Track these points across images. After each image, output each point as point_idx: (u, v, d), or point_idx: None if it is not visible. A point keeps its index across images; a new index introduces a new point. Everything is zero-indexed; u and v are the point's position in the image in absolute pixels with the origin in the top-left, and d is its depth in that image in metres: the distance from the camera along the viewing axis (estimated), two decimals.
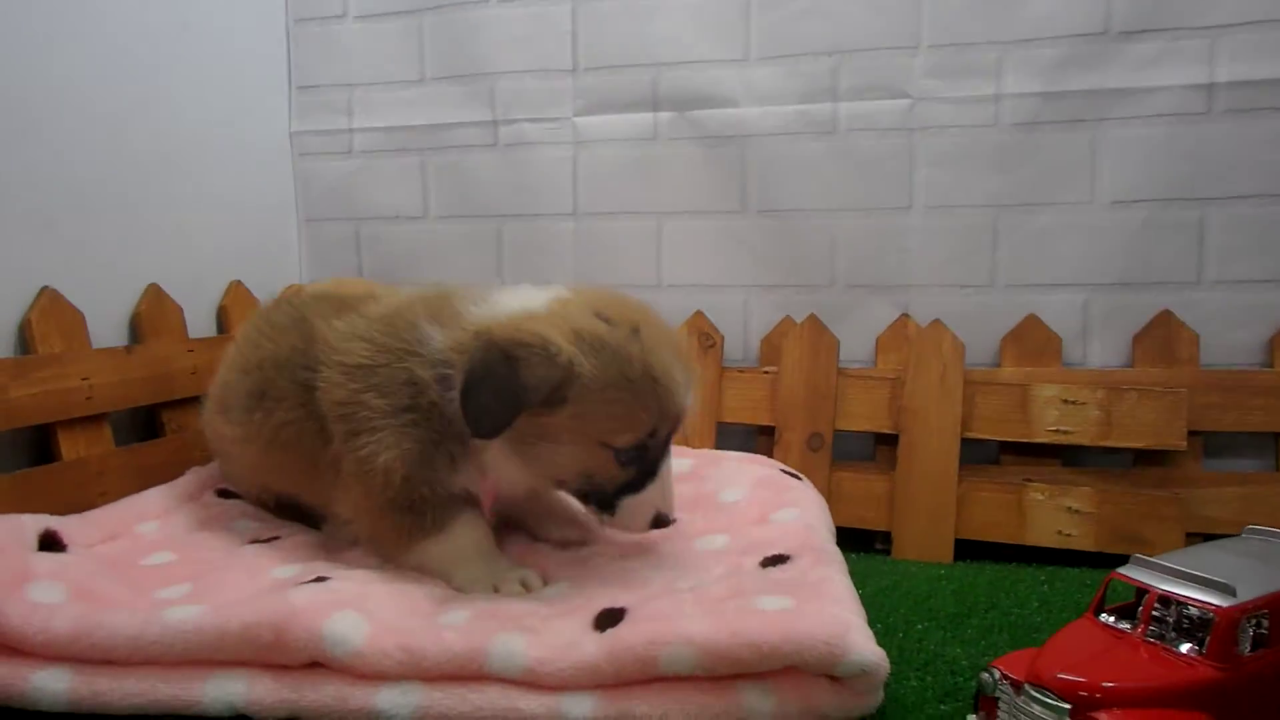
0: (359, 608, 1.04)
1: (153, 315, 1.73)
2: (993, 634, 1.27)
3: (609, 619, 1.05)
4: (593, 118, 1.97)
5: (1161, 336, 1.71)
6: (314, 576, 1.15)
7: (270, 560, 1.29)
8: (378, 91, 2.09)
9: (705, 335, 1.90)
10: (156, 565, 1.29)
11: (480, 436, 1.16)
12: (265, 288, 2.02)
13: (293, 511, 1.48)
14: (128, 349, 1.65)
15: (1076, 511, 1.63)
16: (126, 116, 1.70)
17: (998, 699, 0.87)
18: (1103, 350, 1.76)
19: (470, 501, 1.28)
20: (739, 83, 1.88)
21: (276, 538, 1.41)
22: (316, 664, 1.00)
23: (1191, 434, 1.63)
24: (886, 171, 1.83)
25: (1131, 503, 1.61)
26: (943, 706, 1.04)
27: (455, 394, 1.15)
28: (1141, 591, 0.89)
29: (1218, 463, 1.68)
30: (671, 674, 0.95)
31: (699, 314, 1.92)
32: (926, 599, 1.41)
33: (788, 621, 0.97)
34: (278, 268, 2.10)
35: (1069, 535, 1.62)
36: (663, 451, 1.23)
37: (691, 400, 1.23)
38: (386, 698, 0.97)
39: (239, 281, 1.97)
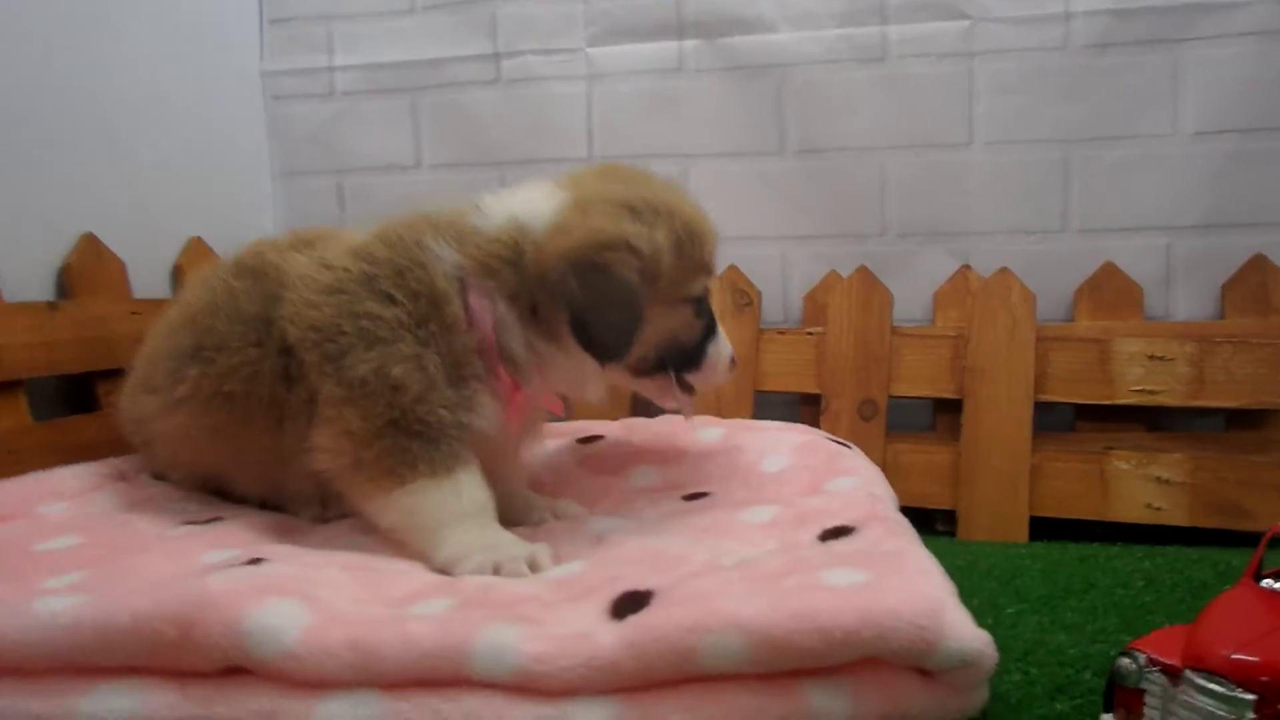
0: (301, 594, 0.84)
1: (86, 268, 1.55)
2: (1099, 617, 1.13)
3: (630, 604, 0.84)
4: (609, 48, 1.83)
5: (1255, 283, 1.58)
6: (250, 559, 0.95)
7: (202, 543, 1.07)
8: (362, 24, 1.94)
9: (740, 292, 1.74)
10: (52, 550, 1.07)
11: (613, 359, 1.12)
12: (231, 246, 1.82)
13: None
14: (51, 305, 1.48)
15: (1166, 482, 1.49)
16: (58, 39, 1.53)
17: (1144, 690, 0.70)
18: (1188, 300, 1.63)
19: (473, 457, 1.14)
20: (774, 5, 1.75)
21: (218, 519, 1.20)
22: (238, 668, 0.80)
23: None
24: (942, 103, 1.70)
25: (1229, 470, 1.47)
26: (1056, 705, 0.90)
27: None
28: None
29: None
30: (714, 671, 0.76)
31: (733, 268, 1.76)
32: (1011, 579, 1.28)
33: (864, 598, 0.78)
34: (246, 224, 1.90)
35: (1159, 509, 1.49)
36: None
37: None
38: (331, 711, 0.77)
39: (199, 238, 1.80)
